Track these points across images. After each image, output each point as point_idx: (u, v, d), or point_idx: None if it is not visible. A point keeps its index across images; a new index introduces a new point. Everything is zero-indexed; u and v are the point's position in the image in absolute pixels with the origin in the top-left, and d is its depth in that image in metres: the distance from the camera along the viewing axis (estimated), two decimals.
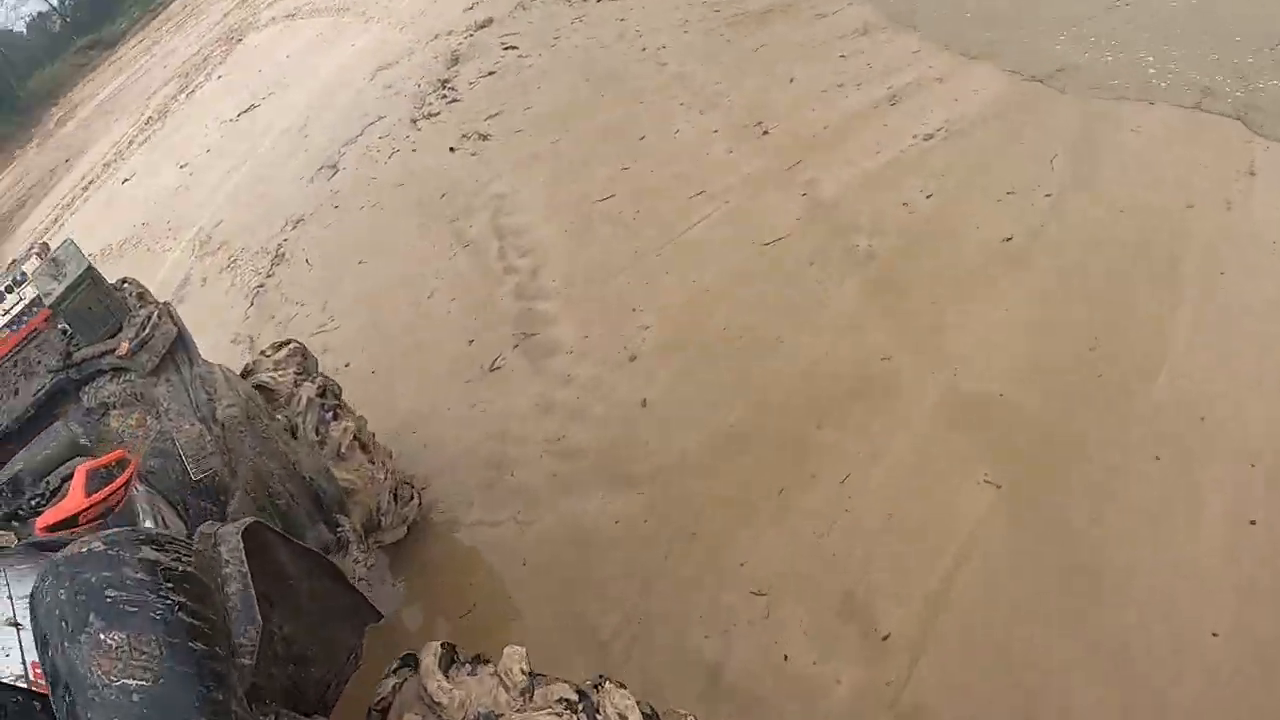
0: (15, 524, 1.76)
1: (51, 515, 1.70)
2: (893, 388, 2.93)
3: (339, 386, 3.44)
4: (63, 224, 10.59)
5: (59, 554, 1.39)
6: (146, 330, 2.79)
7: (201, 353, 3.03)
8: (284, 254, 5.55)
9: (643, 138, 4.82)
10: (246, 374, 3.16)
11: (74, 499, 1.72)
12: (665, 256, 3.89)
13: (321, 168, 6.25)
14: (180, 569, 1.45)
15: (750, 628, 2.49)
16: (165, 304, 3.04)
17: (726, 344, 3.35)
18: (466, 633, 2.88)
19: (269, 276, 5.45)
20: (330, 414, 3.02)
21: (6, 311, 3.18)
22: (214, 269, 6.03)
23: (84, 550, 1.38)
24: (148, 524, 2.19)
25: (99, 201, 10.17)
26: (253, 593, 1.56)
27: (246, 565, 1.63)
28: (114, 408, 2.82)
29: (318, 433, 2.95)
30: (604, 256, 4.06)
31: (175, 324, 2.90)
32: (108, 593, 1.34)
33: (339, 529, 2.70)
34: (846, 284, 3.34)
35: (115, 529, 1.43)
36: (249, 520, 1.78)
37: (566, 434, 3.30)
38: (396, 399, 3.86)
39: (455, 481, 3.37)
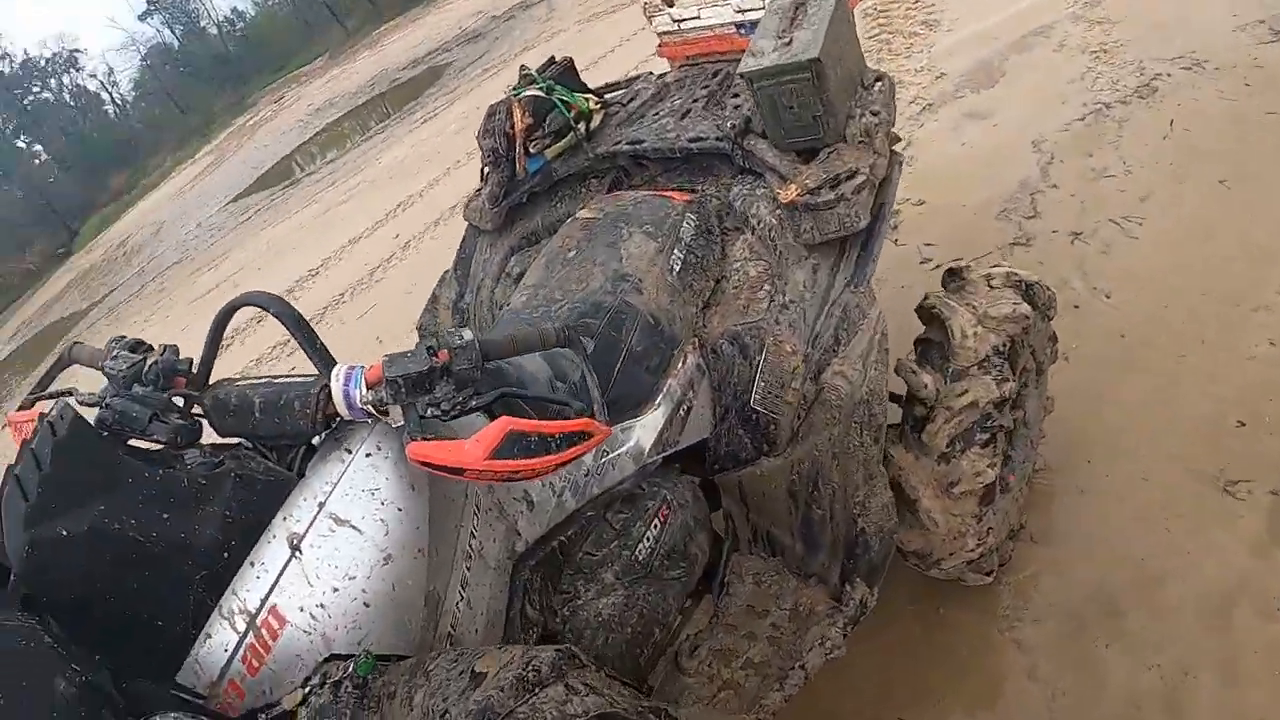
0: (416, 407, 1.30)
1: (434, 451, 1.24)
2: None
3: (1050, 364, 2.59)
4: None
5: None
6: (834, 194, 2.03)
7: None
8: (1155, 89, 4.41)
9: None
10: (946, 281, 2.39)
11: (472, 450, 1.24)
12: None
13: (1263, 21, 4.64)
14: None
15: None
16: (897, 163, 2.27)
17: None
18: None
19: (1123, 103, 4.45)
20: (988, 436, 2.19)
21: (742, 10, 2.54)
22: (1076, 46, 5.12)
23: None
24: (658, 409, 1.90)
25: None
26: None
27: None
28: (750, 234, 2.24)
29: (950, 445, 2.16)
30: None
31: (880, 213, 2.17)
32: None
33: (848, 591, 2.03)
34: None
35: None
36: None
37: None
38: (1112, 411, 2.93)
39: (1047, 588, 2.52)
